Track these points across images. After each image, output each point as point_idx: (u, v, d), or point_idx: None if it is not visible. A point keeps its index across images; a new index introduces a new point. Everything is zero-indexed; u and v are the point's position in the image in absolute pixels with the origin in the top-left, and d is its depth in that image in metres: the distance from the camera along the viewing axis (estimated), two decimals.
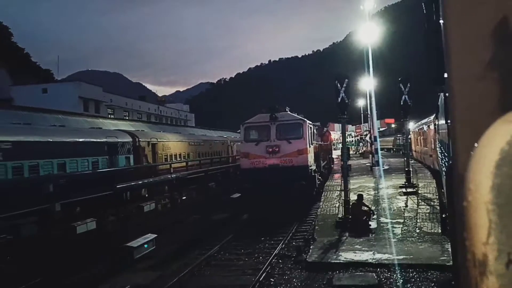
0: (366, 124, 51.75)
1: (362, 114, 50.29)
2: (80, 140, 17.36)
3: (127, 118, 43.78)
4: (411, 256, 9.31)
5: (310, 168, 15.49)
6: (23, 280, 9.56)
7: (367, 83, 30.30)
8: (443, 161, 8.48)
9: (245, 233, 13.18)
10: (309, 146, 15.66)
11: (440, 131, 9.92)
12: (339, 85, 12.50)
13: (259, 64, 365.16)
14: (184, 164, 25.78)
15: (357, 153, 52.76)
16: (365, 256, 9.59)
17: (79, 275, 9.38)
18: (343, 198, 13.83)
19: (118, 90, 69.76)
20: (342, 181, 17.26)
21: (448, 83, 1.23)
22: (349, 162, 30.34)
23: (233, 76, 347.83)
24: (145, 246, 10.71)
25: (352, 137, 63.22)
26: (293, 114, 16.36)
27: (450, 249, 7.37)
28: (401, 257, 9.28)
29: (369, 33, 18.89)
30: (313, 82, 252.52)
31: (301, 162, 15.07)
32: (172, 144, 25.83)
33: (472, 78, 1.08)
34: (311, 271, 9.09)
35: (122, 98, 47.91)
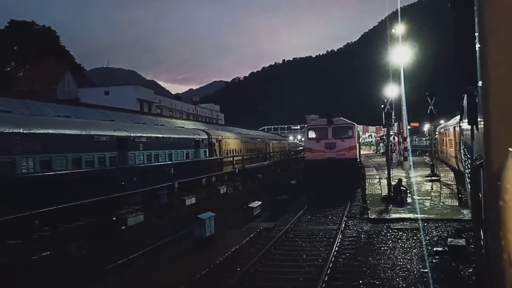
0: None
1: (384, 117, 55.06)
2: (179, 136, 22.70)
3: (171, 116, 49.32)
4: (439, 216, 14.31)
5: (357, 160, 20.60)
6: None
7: (392, 91, 35.17)
8: (466, 163, 8.50)
9: (314, 206, 18.23)
10: (357, 144, 20.76)
11: (464, 132, 9.89)
12: (385, 100, 17.56)
13: (273, 64, 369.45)
14: (240, 157, 31.09)
15: (378, 152, 57.43)
16: (408, 215, 14.63)
17: (227, 221, 14.60)
18: (382, 183, 18.99)
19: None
20: (379, 172, 22.36)
21: (483, 83, 1.22)
22: (375, 160, 35.38)
23: (247, 75, 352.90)
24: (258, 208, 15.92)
25: (372, 137, 67.93)
26: (345, 119, 21.40)
27: (472, 238, 8.61)
28: (432, 216, 14.29)
29: (401, 55, 23.81)
30: (328, 83, 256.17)
31: (351, 155, 20.17)
32: (231, 141, 31.08)
33: (510, 78, 1.05)
34: (373, 223, 14.14)
35: (167, 99, 53.61)
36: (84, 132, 14.91)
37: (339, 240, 11.92)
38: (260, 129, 76.31)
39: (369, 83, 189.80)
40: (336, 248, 10.98)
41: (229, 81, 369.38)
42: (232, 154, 29.52)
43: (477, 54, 1.78)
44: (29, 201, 11.71)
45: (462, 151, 12.33)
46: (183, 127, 27.10)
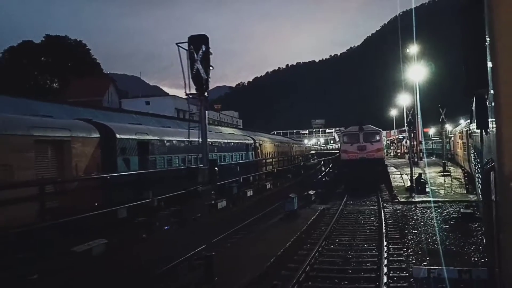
0: (396, 130, 61.60)
1: (394, 122, 60.45)
2: (236, 141, 27.84)
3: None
4: (451, 199, 19.35)
5: (383, 160, 25.71)
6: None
7: (404, 99, 40.27)
8: (476, 167, 8.44)
9: (352, 195, 23.27)
10: (383, 146, 25.86)
11: (473, 136, 9.92)
12: (408, 112, 22.67)
13: (276, 68, 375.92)
14: (276, 159, 36.15)
15: (388, 155, 62.44)
16: (428, 199, 19.65)
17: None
18: (404, 177, 24.04)
19: (137, 93, 76.36)
20: (399, 170, 27.38)
21: (494, 86, 1.22)
22: (390, 161, 40.22)
23: (251, 80, 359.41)
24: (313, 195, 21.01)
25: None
26: (373, 127, 26.49)
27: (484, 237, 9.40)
28: (447, 199, 19.32)
29: (417, 74, 28.90)
30: (331, 87, 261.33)
31: (379, 156, 25.29)
32: (268, 145, 36.18)
33: None
34: (403, 205, 19.16)
35: None
36: (185, 139, 20.07)
37: (383, 213, 16.98)
38: (270, 133, 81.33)
39: (374, 87, 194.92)
40: (383, 217, 16.04)
41: (234, 86, 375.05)
42: (270, 157, 34.62)
43: (488, 57, 1.79)
44: (161, 187, 16.81)
45: (472, 155, 12.76)
46: (233, 133, 32.25)
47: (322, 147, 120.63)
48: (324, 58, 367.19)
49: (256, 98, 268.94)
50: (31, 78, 68.60)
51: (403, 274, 9.23)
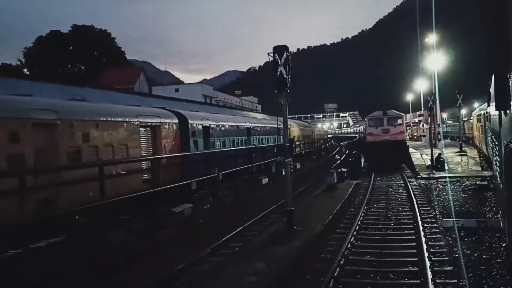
0: (411, 114, 63.86)
1: (410, 106, 62.65)
2: (270, 125, 30.72)
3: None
4: (467, 174, 22.08)
5: (405, 141, 28.45)
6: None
7: (421, 85, 42.60)
8: (494, 150, 8.57)
9: (378, 173, 26.11)
10: (405, 129, 28.54)
11: (491, 118, 9.88)
12: (429, 98, 25.25)
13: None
14: (303, 142, 39.01)
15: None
16: (448, 175, 22.43)
17: None
18: (424, 157, 26.79)
19: (151, 78, 79.59)
20: (418, 151, 30.12)
21: None
22: (410, 143, 42.59)
23: (262, 65, 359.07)
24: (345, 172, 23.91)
25: None
26: (396, 111, 29.14)
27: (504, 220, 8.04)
28: (464, 174, 22.06)
29: (435, 63, 31.22)
30: (343, 71, 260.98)
31: (401, 138, 28.01)
32: (294, 129, 38.97)
33: None
34: (426, 180, 21.95)
35: (221, 94, 61.93)
36: (234, 124, 23.04)
37: (409, 185, 19.84)
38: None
39: (386, 70, 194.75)
40: (410, 189, 18.90)
41: (244, 70, 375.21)
42: (297, 140, 37.49)
43: None
44: (219, 164, 19.84)
45: (489, 137, 12.79)
46: (266, 118, 35.12)
47: (336, 131, 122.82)
48: (335, 42, 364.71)
49: (268, 82, 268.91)
50: (59, 66, 71.81)
51: (434, 225, 12.15)
